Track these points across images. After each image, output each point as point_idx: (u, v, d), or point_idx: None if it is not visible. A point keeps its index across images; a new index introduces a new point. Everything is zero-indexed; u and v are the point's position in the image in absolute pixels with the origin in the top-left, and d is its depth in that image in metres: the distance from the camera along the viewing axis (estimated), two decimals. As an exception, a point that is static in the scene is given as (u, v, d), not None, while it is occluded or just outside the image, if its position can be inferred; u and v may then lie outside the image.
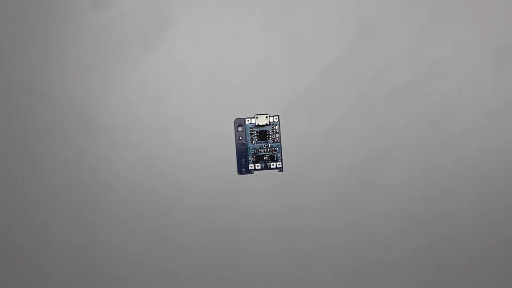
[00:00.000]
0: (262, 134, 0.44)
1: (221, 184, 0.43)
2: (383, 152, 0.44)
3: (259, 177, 0.44)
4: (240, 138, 0.44)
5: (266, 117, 0.43)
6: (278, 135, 0.44)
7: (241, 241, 0.44)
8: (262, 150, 0.44)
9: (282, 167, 0.44)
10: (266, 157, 0.44)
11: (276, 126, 0.44)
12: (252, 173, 0.44)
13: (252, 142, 0.44)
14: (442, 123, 0.44)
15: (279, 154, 0.44)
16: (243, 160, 0.44)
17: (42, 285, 0.43)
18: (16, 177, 0.43)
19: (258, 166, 0.44)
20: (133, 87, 0.43)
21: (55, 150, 0.43)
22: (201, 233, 0.43)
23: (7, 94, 0.43)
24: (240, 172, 0.44)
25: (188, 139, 0.43)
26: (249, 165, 0.44)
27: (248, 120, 0.44)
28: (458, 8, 0.44)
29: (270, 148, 0.44)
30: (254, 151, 0.44)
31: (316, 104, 0.43)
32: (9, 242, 0.43)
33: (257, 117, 0.43)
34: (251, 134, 0.44)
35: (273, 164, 0.44)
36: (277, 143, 0.44)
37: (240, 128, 0.44)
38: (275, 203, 0.44)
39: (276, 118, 0.44)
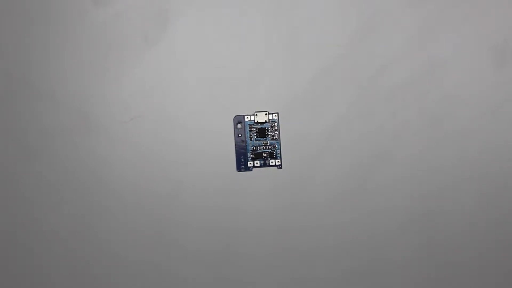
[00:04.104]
0: (261, 131, 0.44)
1: (219, 181, 0.43)
2: (383, 150, 0.44)
3: (258, 174, 0.44)
4: (239, 135, 0.44)
5: (266, 114, 0.43)
6: (277, 132, 0.44)
7: (239, 239, 0.44)
8: (261, 147, 0.44)
9: (281, 164, 0.44)
10: (265, 154, 0.44)
11: (275, 124, 0.44)
12: (251, 170, 0.44)
13: (251, 139, 0.44)
14: (442, 121, 0.44)
15: (278, 152, 0.44)
16: (242, 157, 0.44)
17: (40, 284, 0.43)
18: (14, 174, 0.43)
19: (257, 163, 0.44)
20: (133, 84, 0.43)
21: (54, 148, 0.43)
22: (199, 230, 0.43)
23: (6, 92, 0.43)
24: (239, 169, 0.44)
25: (187, 136, 0.43)
26: (248, 162, 0.44)
27: (247, 117, 0.44)
28: (458, 7, 0.44)
29: (269, 145, 0.44)
30: (253, 148, 0.44)
31: (315, 102, 0.44)
32: (8, 240, 0.43)
33: (256, 115, 0.43)
34: (250, 131, 0.44)
35: (272, 162, 0.44)
36: (276, 141, 0.44)
37: (239, 125, 0.44)
38: (274, 200, 0.43)
39: (275, 116, 0.44)
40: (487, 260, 0.44)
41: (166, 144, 0.43)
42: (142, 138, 0.43)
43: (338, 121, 0.44)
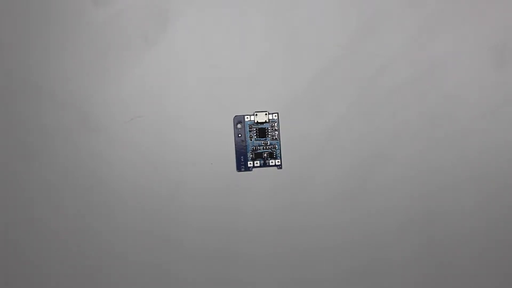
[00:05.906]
0: (261, 131, 0.44)
1: (219, 181, 0.43)
2: (383, 150, 0.44)
3: (258, 174, 0.44)
4: (239, 135, 0.44)
5: (265, 114, 0.43)
6: (277, 132, 0.44)
7: (239, 239, 0.43)
8: (261, 147, 0.44)
9: (281, 164, 0.44)
10: (265, 155, 0.44)
11: (275, 124, 0.44)
12: (251, 170, 0.44)
13: (251, 139, 0.44)
14: (442, 121, 0.44)
15: (278, 152, 0.44)
16: (242, 157, 0.44)
17: (40, 284, 0.43)
18: (14, 174, 0.43)
19: (257, 163, 0.44)
20: (133, 84, 0.43)
21: (54, 148, 0.43)
22: (199, 230, 0.43)
23: (6, 91, 0.43)
24: (239, 169, 0.44)
25: (187, 136, 0.43)
26: (248, 162, 0.44)
27: (247, 117, 0.44)
28: (458, 7, 0.44)
29: (269, 145, 0.44)
30: (253, 148, 0.44)
31: (315, 102, 0.44)
32: (8, 240, 0.43)
33: (256, 115, 0.43)
34: (250, 131, 0.44)
35: (272, 162, 0.44)
36: (276, 141, 0.44)
37: (239, 125, 0.44)
38: (273, 201, 0.43)
39: (275, 116, 0.44)
40: (487, 260, 0.44)
41: (166, 144, 0.43)
42: (142, 138, 0.43)
43: (338, 121, 0.44)
